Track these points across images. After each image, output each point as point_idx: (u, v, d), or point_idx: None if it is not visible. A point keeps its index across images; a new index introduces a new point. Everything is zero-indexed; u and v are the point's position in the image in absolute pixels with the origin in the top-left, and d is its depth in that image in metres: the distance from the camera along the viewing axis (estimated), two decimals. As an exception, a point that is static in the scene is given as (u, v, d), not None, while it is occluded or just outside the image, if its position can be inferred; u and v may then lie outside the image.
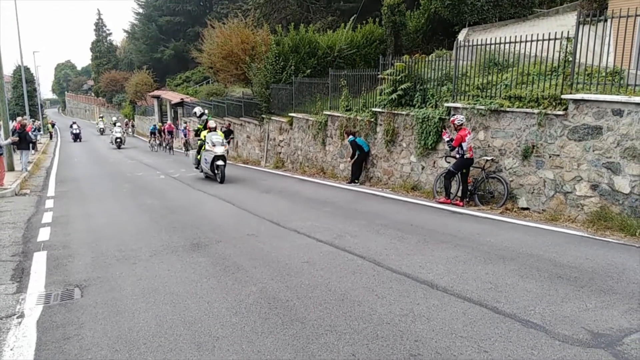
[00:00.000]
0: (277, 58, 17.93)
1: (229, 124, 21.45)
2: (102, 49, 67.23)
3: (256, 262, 5.66)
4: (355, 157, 12.24)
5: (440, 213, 8.41)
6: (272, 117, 18.12)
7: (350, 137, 12.33)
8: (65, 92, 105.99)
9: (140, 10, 54.13)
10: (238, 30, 23.20)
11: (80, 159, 24.09)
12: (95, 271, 5.59)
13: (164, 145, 28.35)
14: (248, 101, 21.06)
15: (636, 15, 7.73)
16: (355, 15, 20.23)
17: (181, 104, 34.02)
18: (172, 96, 37.16)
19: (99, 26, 67.20)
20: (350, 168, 12.68)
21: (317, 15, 24.44)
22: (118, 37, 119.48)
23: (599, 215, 6.99)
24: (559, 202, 7.70)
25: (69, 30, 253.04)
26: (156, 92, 42.11)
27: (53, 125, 45.32)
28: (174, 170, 17.10)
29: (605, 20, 9.62)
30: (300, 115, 15.95)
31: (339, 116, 13.64)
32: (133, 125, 45.60)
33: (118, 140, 30.44)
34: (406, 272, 5.12)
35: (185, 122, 30.31)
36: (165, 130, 28.25)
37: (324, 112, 14.38)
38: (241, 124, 21.57)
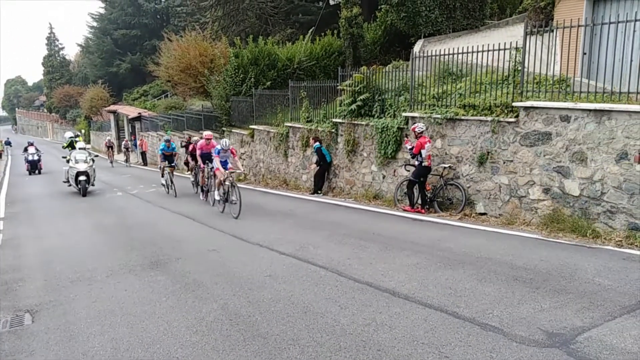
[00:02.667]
0: (237, 70, 17.84)
1: (189, 137, 21.12)
2: (54, 63, 65.09)
3: (217, 278, 5.55)
4: (319, 166, 12.24)
5: (402, 221, 8.52)
6: (232, 130, 17.96)
7: (317, 143, 12.29)
8: (16, 109, 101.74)
9: (95, 24, 52.78)
10: (196, 43, 22.96)
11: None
12: (48, 295, 5.34)
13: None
14: (208, 114, 20.80)
15: (578, 26, 8.15)
16: (313, 28, 20.42)
17: (139, 118, 33.27)
18: (129, 111, 36.29)
19: (51, 40, 65.10)
20: (312, 179, 12.69)
21: (276, 28, 24.52)
22: (71, 52, 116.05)
23: (552, 218, 7.25)
24: (514, 206, 7.94)
25: (19, 46, 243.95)
26: (112, 107, 41.01)
27: (7, 144, 43.00)
28: (131, 187, 16.63)
29: (552, 31, 10.10)
30: (261, 127, 15.88)
31: (300, 127, 13.66)
32: (128, 149, 29.22)
33: (83, 179, 14.51)
34: (369, 281, 5.14)
35: (142, 137, 29.68)
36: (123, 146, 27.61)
37: (285, 124, 14.37)
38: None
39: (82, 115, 52.46)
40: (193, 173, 13.80)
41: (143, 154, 27.57)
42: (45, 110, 75.25)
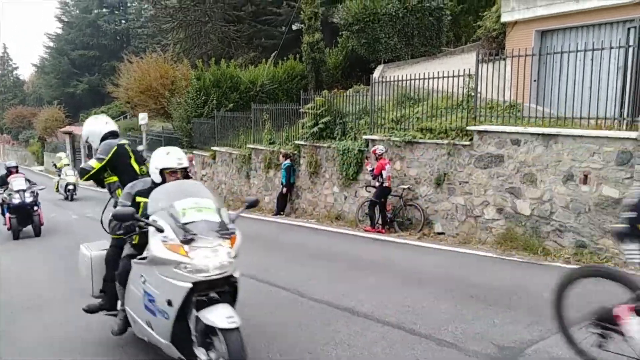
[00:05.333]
0: (198, 92, 17.80)
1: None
2: (7, 83, 62.90)
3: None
4: (287, 186, 12.17)
5: (363, 241, 8.63)
6: (194, 152, 17.79)
7: (287, 161, 12.20)
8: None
9: (51, 44, 51.48)
10: (157, 65, 22.80)
11: None
12: (-6, 323, 5.07)
13: None
14: (169, 136, 20.55)
15: (526, 55, 8.63)
16: (276, 52, 20.69)
17: (97, 139, 32.37)
18: (86, 132, 35.29)
19: (4, 60, 63.04)
20: (275, 200, 12.68)
21: (238, 51, 24.67)
22: (26, 72, 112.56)
23: (506, 237, 7.54)
24: (470, 225, 8.21)
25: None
26: (68, 128, 39.80)
27: None
28: (89, 210, 16.09)
29: (503, 59, 10.66)
30: (223, 149, 15.82)
31: (262, 149, 13.71)
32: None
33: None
34: (329, 300, 5.17)
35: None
36: None
37: (248, 146, 14.39)
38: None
39: (35, 136, 50.59)
40: None
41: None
42: (-4, 131, 72.20)
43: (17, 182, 10.49)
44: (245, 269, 6.68)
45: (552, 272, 5.93)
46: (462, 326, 4.27)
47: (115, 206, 4.28)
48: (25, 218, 10.58)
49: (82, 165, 4.99)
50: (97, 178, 4.77)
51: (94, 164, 4.64)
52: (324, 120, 11.51)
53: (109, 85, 29.45)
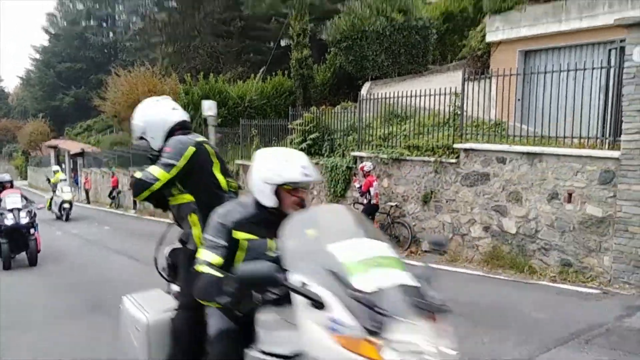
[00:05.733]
0: (187, 107, 17.75)
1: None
2: (-9, 95, 62.23)
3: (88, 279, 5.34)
4: None
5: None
6: (181, 167, 17.70)
7: None
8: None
9: (38, 56, 51.20)
10: (145, 79, 22.77)
11: None
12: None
13: None
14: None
15: (510, 75, 8.81)
16: (264, 67, 20.82)
17: (82, 154, 32.07)
18: (71, 146, 34.94)
19: (-11, 71, 62.44)
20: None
21: (227, 66, 24.77)
22: (11, 84, 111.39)
23: (492, 255, 7.60)
24: (457, 244, 8.27)
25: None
26: (53, 142, 39.35)
27: None
28: (72, 226, 15.87)
29: (489, 78, 10.87)
30: (210, 165, 15.76)
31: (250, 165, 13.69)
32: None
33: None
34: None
35: (86, 173, 28.58)
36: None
37: (236, 162, 14.36)
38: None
39: (19, 149, 49.91)
40: None
41: (87, 191, 26.45)
42: (-21, 144, 71.09)
43: (10, 200, 8.67)
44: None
45: (538, 291, 6.01)
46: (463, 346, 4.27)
47: (184, 241, 2.91)
48: (19, 243, 8.70)
49: (138, 174, 3.01)
50: (158, 197, 3.00)
51: (158, 173, 2.88)
52: (312, 136, 11.57)
53: (96, 99, 29.28)
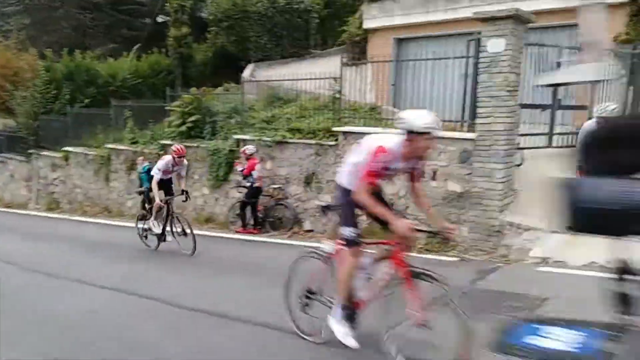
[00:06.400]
0: (48, 86, 15.97)
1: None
2: None
3: (27, 322, 4.83)
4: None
5: (235, 243, 8.56)
6: (42, 153, 15.89)
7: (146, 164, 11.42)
8: None
9: None
10: (-4, 53, 19.95)
11: None
12: None
13: None
14: (11, 134, 18.10)
15: (385, 61, 9.29)
16: (139, 44, 19.45)
17: None
18: None
19: None
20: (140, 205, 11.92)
21: (96, 41, 22.68)
22: None
23: (368, 231, 8.01)
24: (333, 223, 8.60)
25: None
26: None
27: None
28: None
29: (365, 64, 11.33)
30: (78, 150, 14.38)
31: (124, 149, 12.78)
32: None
33: None
34: (201, 307, 5.02)
35: None
36: None
37: (107, 146, 13.30)
38: (2, 162, 18.36)
39: None
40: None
41: None
42: None
43: None
44: (109, 280, 6.21)
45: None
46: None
47: None
48: None
49: None
50: None
51: None
52: (192, 118, 11.15)
53: None
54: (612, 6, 10.40)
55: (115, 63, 17.81)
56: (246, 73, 15.28)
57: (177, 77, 17.30)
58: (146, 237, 8.18)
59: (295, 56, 18.23)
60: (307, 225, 9.00)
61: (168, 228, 7.68)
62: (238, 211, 9.52)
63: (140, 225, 8.32)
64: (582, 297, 4.76)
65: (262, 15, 16.99)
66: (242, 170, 9.31)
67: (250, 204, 9.26)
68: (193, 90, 11.83)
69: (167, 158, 7.75)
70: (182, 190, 7.80)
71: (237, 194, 9.81)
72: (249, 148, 9.32)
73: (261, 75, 13.29)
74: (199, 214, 10.91)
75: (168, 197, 7.79)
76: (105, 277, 6.40)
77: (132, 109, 13.14)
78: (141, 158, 11.60)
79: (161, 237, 7.85)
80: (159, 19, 22.40)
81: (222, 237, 9.05)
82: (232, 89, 12.87)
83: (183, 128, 11.16)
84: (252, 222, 9.41)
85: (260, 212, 9.41)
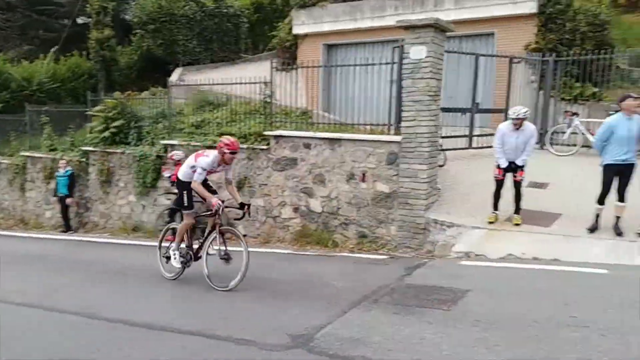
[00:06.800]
0: (-47, 89, 14.64)
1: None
2: None
3: None
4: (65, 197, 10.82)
5: (164, 251, 8.26)
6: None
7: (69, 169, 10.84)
8: None
9: None
10: None
11: None
12: None
13: None
14: None
15: (314, 67, 9.40)
16: (57, 47, 18.34)
17: None
18: None
19: None
20: (60, 215, 11.21)
21: (9, 43, 21.08)
22: None
23: (301, 234, 8.11)
24: (270, 226, 8.60)
25: None
26: None
27: None
28: None
29: (295, 69, 11.40)
30: (-11, 158, 13.32)
31: (41, 157, 11.98)
32: None
33: None
34: (125, 319, 4.80)
35: None
36: None
37: (22, 153, 12.40)
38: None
39: None
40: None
41: None
42: None
43: None
44: (28, 296, 5.78)
45: (339, 262, 6.63)
46: (260, 323, 4.44)
47: None
48: None
49: None
50: None
51: None
52: (116, 124, 10.67)
53: None
54: (522, 17, 11.34)
55: (30, 66, 16.64)
56: (174, 77, 14.88)
57: (100, 80, 16.50)
58: (167, 260, 6.19)
59: (226, 60, 18.02)
60: (240, 230, 8.86)
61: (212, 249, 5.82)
62: (167, 218, 9.22)
63: (165, 244, 6.42)
64: (499, 288, 5.11)
65: (190, 19, 16.64)
66: (170, 177, 9.04)
67: (180, 211, 8.99)
68: (117, 94, 11.37)
69: (213, 155, 5.65)
70: (242, 204, 5.73)
71: (166, 201, 9.50)
72: (177, 153, 9.06)
73: (190, 79, 12.98)
74: (125, 223, 10.45)
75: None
76: (28, 293, 5.95)
77: (49, 114, 12.34)
78: (64, 162, 10.93)
79: (189, 261, 5.96)
80: (80, 21, 21.24)
81: (149, 246, 8.68)
82: (159, 93, 12.45)
83: (106, 134, 10.65)
84: (182, 229, 9.13)
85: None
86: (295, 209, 8.32)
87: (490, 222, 6.79)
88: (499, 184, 6.83)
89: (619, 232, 6.09)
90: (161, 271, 6.26)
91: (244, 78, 9.57)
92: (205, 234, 5.94)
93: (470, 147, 9.58)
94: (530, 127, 6.80)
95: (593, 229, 6.24)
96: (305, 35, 14.72)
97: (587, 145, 8.99)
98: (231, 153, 5.59)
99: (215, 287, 5.50)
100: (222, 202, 5.60)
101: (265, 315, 4.65)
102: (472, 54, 9.87)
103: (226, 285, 5.43)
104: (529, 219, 6.74)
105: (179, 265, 6.01)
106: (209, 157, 5.64)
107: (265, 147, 8.70)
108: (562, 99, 10.32)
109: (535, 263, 5.73)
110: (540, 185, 7.79)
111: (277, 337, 4.07)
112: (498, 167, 6.82)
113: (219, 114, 10.26)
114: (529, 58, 10.67)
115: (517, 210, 6.79)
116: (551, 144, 9.72)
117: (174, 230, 6.43)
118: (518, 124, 6.65)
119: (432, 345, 3.73)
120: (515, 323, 4.05)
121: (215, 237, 5.69)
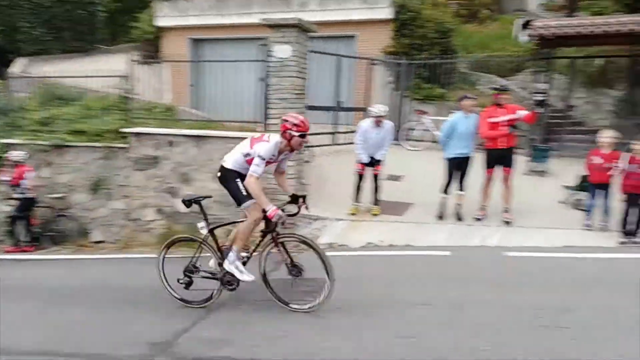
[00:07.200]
0: None
1: None
2: None
3: None
4: None
5: (6, 264, 7.28)
6: None
7: None
8: None
9: None
10: None
11: None
12: None
13: None
14: None
15: (179, 61, 9.05)
16: None
17: None
18: None
19: None
20: None
21: None
22: None
23: (166, 236, 7.67)
24: (130, 230, 8.06)
25: None
26: None
27: None
28: None
29: (160, 63, 10.84)
30: None
31: None
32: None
33: None
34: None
35: None
36: None
37: None
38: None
39: None
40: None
41: None
42: None
43: None
44: None
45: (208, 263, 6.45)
46: (117, 335, 4.13)
47: None
48: None
49: None
50: None
51: None
52: (-64, 120, 9.10)
53: None
54: (380, 22, 12.14)
55: None
56: (16, 68, 13.21)
57: None
58: (189, 283, 4.86)
59: (79, 51, 16.46)
60: (96, 236, 8.19)
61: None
62: (8, 227, 8.15)
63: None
64: (359, 275, 5.43)
65: (36, 5, 14.90)
66: (7, 181, 8.01)
67: (24, 218, 8.02)
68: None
69: (275, 140, 4.45)
70: (297, 196, 4.66)
71: (7, 208, 8.38)
72: (15, 154, 8.05)
73: (36, 71, 11.61)
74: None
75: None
76: None
77: None
78: None
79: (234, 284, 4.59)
80: None
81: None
82: (-3, 86, 10.93)
83: None
84: (28, 238, 8.15)
85: (36, 227, 8.21)
86: (159, 210, 7.90)
87: (352, 214, 7.18)
88: (360, 177, 7.25)
89: (459, 218, 6.87)
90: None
91: (100, 71, 8.87)
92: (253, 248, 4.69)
93: (334, 143, 10.02)
94: (388, 124, 7.32)
95: (440, 216, 6.95)
96: (170, 29, 14.05)
97: (435, 141, 9.97)
98: (300, 136, 4.39)
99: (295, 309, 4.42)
100: (283, 210, 4.27)
101: (121, 326, 4.34)
102: (335, 55, 10.32)
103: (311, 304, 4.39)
104: (386, 209, 7.28)
105: (250, 278, 4.46)
106: (269, 142, 4.38)
107: (124, 145, 8.13)
108: (415, 98, 11.31)
109: (390, 249, 6.20)
110: (396, 178, 8.45)
111: (135, 348, 3.82)
112: (359, 162, 7.24)
113: (70, 110, 9.34)
114: (386, 60, 11.49)
115: (376, 201, 7.28)
116: (405, 139, 10.60)
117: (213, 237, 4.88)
118: (379, 121, 7.12)
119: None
120: (367, 308, 4.32)
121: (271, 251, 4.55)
